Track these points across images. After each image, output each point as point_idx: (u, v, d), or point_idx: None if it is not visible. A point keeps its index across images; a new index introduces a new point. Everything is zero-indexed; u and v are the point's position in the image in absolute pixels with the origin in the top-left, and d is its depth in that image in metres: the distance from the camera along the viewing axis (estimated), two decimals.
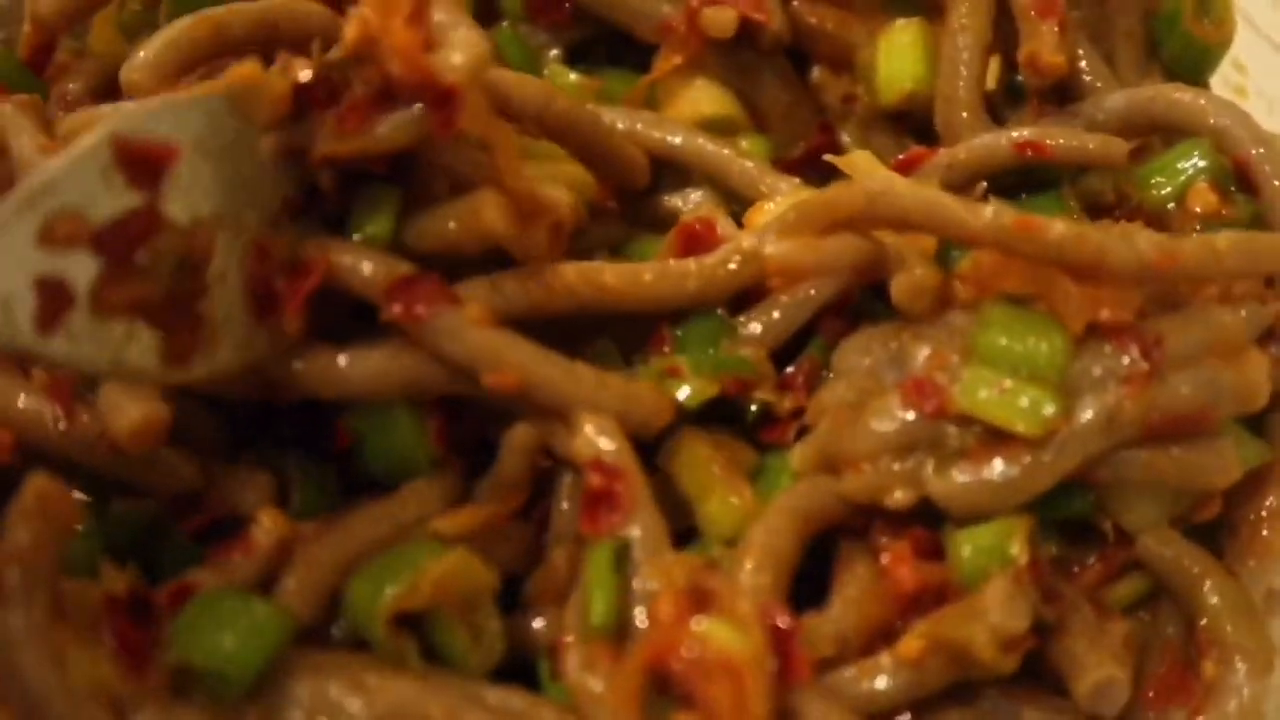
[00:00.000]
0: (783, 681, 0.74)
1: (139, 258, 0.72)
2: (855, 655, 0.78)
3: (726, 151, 1.01)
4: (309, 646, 0.76)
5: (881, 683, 0.77)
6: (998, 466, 0.79)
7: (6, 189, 0.73)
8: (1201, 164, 0.94)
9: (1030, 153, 0.94)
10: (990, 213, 0.79)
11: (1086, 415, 0.79)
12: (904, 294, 0.86)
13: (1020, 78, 1.02)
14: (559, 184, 0.87)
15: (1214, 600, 0.82)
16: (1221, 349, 0.80)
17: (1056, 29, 0.98)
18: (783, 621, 0.75)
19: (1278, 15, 1.18)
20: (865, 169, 0.97)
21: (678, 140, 1.00)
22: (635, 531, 0.79)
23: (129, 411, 0.77)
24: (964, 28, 1.01)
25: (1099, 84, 1.01)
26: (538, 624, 0.82)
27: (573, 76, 1.05)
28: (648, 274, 0.86)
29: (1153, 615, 0.86)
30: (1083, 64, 1.01)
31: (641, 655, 0.71)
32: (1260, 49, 1.18)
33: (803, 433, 0.87)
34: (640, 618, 0.76)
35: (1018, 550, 0.77)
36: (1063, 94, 1.02)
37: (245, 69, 0.79)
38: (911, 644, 0.76)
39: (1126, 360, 0.79)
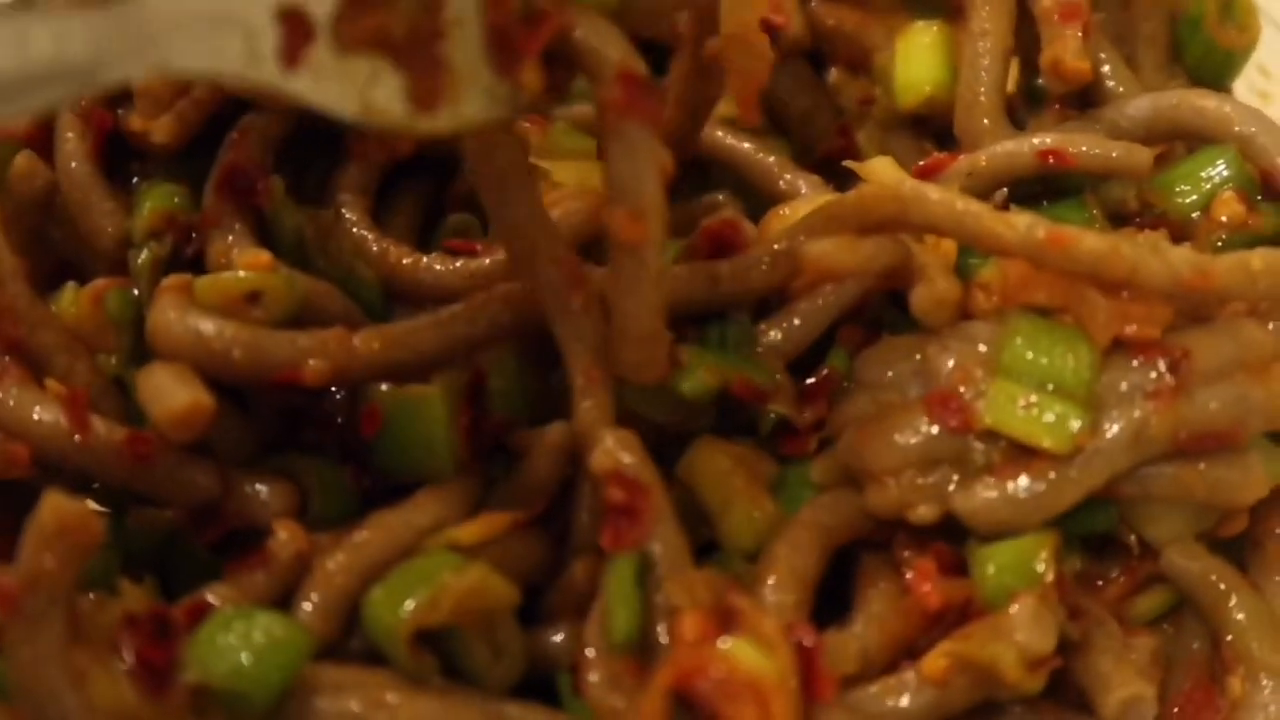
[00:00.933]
0: (806, 699, 0.74)
1: None
2: (877, 672, 0.78)
3: (746, 145, 1.00)
4: (327, 662, 0.75)
5: (905, 701, 0.76)
6: (1023, 482, 0.78)
7: None
8: (1227, 173, 0.93)
9: (1053, 160, 0.93)
10: (1024, 225, 0.78)
11: (1113, 431, 0.78)
12: (925, 305, 0.85)
13: (1040, 81, 1.01)
14: (590, 184, 0.87)
15: (1240, 616, 0.82)
16: (1250, 364, 0.80)
17: (1080, 34, 0.97)
18: (807, 639, 0.75)
19: None
20: (886, 175, 0.96)
21: None
22: (656, 546, 0.78)
23: (176, 396, 0.75)
24: (985, 32, 1.00)
25: (1121, 89, 1.00)
26: (557, 638, 0.81)
27: None
28: (679, 275, 0.86)
29: (1176, 630, 0.85)
30: (1105, 69, 1.00)
31: (667, 675, 0.71)
32: None
33: (823, 444, 0.87)
34: (662, 633, 0.76)
35: (1044, 567, 0.77)
36: (1084, 99, 1.01)
37: None
38: (936, 662, 0.75)
39: (1154, 375, 0.79)
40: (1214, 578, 0.83)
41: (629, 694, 0.74)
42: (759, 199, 1.00)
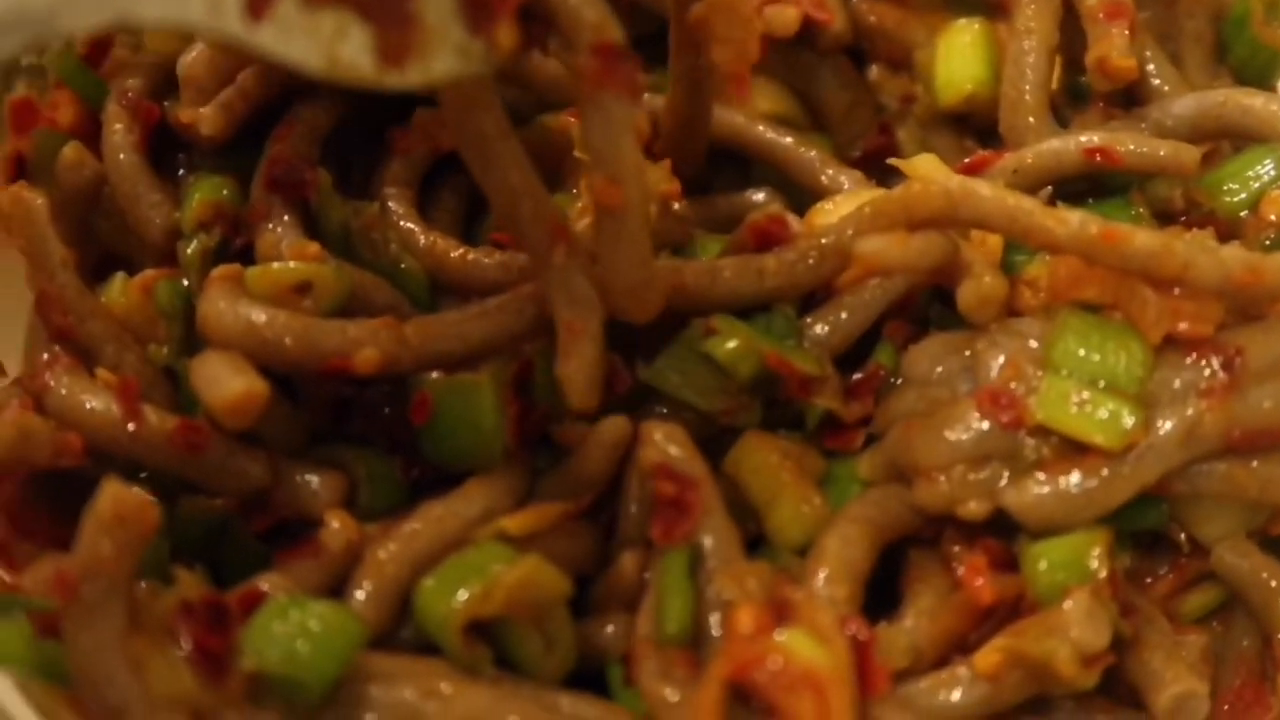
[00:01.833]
0: (860, 693, 0.74)
1: None
2: (928, 667, 0.78)
3: (788, 140, 1.01)
4: (379, 652, 0.76)
5: (957, 695, 0.76)
6: (1075, 479, 0.78)
7: None
8: (1275, 171, 0.93)
9: (1100, 158, 0.93)
10: (1077, 221, 0.78)
11: (1166, 428, 0.78)
12: (971, 301, 0.85)
13: (1083, 79, 1.01)
14: None
15: None
16: None
17: (1126, 32, 0.97)
18: (860, 633, 0.75)
19: None
20: (931, 172, 0.95)
21: (738, 120, 1.00)
22: (707, 539, 0.78)
23: (231, 383, 0.75)
24: (1030, 30, 1.00)
25: (1166, 87, 1.00)
26: (608, 630, 0.81)
27: None
28: (727, 270, 0.86)
29: (1225, 627, 0.85)
30: (1150, 67, 1.00)
31: (724, 666, 0.71)
32: None
33: (869, 440, 0.87)
34: (714, 626, 0.76)
35: (1098, 564, 0.77)
36: (1128, 97, 1.01)
37: None
38: (989, 657, 0.75)
39: (1206, 372, 0.79)
40: (1265, 575, 0.83)
41: (681, 686, 0.75)
42: (800, 195, 1.00)
